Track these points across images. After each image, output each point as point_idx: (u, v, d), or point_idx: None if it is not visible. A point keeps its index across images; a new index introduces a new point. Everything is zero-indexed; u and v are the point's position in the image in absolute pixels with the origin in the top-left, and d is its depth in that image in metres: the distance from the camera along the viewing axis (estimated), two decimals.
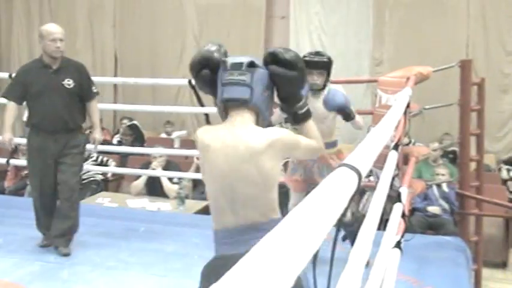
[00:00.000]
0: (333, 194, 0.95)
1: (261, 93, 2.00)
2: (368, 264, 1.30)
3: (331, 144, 3.43)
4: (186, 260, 3.95)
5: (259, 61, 2.04)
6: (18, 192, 6.51)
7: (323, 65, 3.39)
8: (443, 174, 5.33)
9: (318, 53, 3.56)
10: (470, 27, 7.50)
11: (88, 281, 3.53)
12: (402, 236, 2.09)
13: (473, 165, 4.60)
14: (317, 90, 3.43)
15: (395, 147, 1.93)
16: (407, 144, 4.64)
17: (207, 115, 4.95)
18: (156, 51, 8.59)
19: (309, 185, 3.48)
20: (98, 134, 4.10)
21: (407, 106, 2.75)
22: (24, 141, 6.58)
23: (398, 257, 1.89)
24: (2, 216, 4.73)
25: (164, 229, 4.57)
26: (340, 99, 3.45)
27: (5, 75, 5.56)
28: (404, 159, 3.72)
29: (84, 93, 3.98)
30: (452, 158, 6.19)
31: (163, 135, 8.05)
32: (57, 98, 3.84)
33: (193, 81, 4.81)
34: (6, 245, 4.06)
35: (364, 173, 1.16)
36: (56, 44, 3.86)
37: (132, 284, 3.50)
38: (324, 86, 3.46)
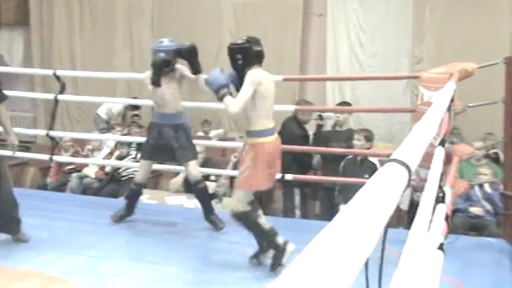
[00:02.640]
0: (383, 190, 0.94)
1: None
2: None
3: (249, 133, 3.63)
4: (224, 256, 3.97)
5: None
6: (60, 188, 6.64)
7: (234, 50, 3.65)
8: (485, 174, 5.22)
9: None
10: None
11: (129, 276, 3.58)
12: (445, 238, 2.05)
13: None
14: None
15: (442, 143, 1.90)
16: (451, 143, 4.56)
17: None
18: None
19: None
20: (13, 139, 4.17)
21: (451, 101, 2.69)
22: (65, 134, 6.75)
23: (441, 259, 1.86)
24: (45, 211, 4.83)
25: (202, 226, 4.60)
26: (208, 77, 3.64)
27: (50, 72, 5.72)
28: (447, 158, 3.66)
29: None
30: (494, 157, 6.06)
31: (201, 134, 8.10)
32: None
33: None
34: (50, 238, 4.15)
35: (413, 168, 1.14)
36: None
37: (171, 278, 3.54)
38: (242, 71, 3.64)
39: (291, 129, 5.79)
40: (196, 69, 4.43)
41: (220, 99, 3.49)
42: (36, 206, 5.03)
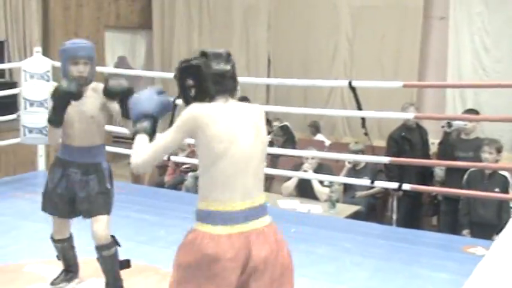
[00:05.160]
0: None
1: None
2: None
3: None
4: (337, 264, 3.90)
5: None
6: (176, 186, 6.85)
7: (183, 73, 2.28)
8: None
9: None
10: None
11: None
12: None
13: None
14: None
15: None
16: None
17: (363, 119, 4.87)
18: (308, 53, 8.61)
19: None
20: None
21: None
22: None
23: None
24: (163, 209, 5.00)
25: (315, 231, 4.55)
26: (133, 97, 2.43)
27: (170, 75, 5.89)
28: None
29: None
30: None
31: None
32: None
33: (353, 83, 4.80)
34: (167, 236, 4.28)
35: None
36: None
37: None
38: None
39: (413, 138, 5.63)
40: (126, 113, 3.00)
41: (133, 135, 2.21)
42: (153, 204, 5.23)
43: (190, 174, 6.90)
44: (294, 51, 8.64)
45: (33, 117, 5.50)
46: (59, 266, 3.47)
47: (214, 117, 2.07)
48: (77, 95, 2.99)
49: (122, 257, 3.78)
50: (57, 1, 8.22)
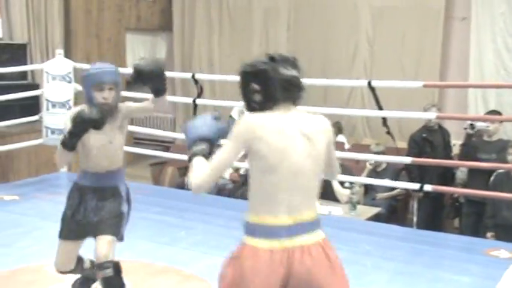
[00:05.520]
0: None
1: None
2: None
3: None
4: (358, 266, 3.87)
5: None
6: None
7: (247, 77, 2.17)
8: None
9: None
10: None
11: None
12: None
13: None
14: None
15: None
16: None
17: (384, 119, 4.84)
18: (328, 53, 8.57)
19: None
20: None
21: None
22: None
23: None
24: (184, 211, 5.01)
25: (336, 233, 4.46)
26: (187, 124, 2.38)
27: (189, 75, 5.98)
28: None
29: None
30: None
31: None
32: None
33: (373, 83, 4.77)
34: (188, 237, 4.29)
35: None
36: None
37: None
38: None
39: (434, 139, 5.58)
40: (158, 88, 3.03)
41: (189, 159, 2.14)
42: (174, 205, 5.25)
43: None
44: (314, 52, 8.61)
45: (56, 118, 5.56)
46: None
47: (268, 129, 2.01)
48: (100, 124, 2.83)
49: (143, 257, 3.80)
50: (79, 4, 8.29)
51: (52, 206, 4.83)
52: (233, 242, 4.15)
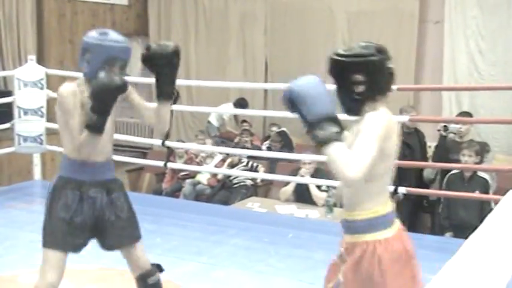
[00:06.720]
0: None
1: None
2: None
3: (353, 225, 2.20)
4: None
5: None
6: (174, 193, 6.83)
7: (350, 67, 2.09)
8: None
9: None
10: None
11: (239, 284, 3.59)
12: None
13: None
14: None
15: None
16: None
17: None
18: (305, 57, 8.59)
19: None
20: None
21: None
22: (180, 145, 6.92)
23: None
24: (160, 216, 4.96)
25: (312, 236, 4.53)
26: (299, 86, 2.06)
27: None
28: None
29: None
30: None
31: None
32: None
33: None
34: (163, 243, 4.24)
35: None
36: None
37: None
38: None
39: (411, 142, 5.62)
40: (167, 90, 2.75)
41: (322, 143, 1.80)
42: (151, 212, 5.18)
43: (188, 181, 6.89)
44: (291, 56, 8.63)
45: (28, 125, 5.47)
46: None
47: (394, 128, 2.01)
48: (125, 87, 2.47)
49: (119, 264, 3.75)
50: (52, 9, 8.19)
51: (25, 214, 4.75)
52: (210, 247, 4.15)
